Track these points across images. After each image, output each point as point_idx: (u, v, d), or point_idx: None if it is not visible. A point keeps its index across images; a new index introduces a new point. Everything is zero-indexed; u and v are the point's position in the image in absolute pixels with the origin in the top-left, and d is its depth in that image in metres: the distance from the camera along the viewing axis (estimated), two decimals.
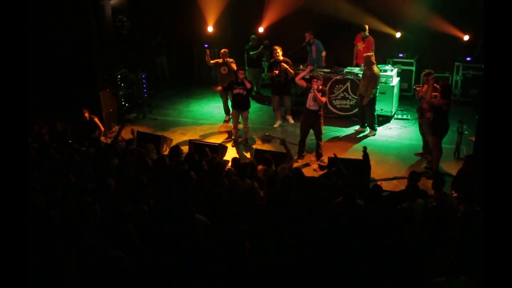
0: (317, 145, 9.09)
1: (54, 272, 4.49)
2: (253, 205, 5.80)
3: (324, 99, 8.82)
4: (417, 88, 8.52)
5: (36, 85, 9.39)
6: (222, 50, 10.61)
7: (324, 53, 11.56)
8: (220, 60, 10.61)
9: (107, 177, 6.31)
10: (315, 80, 8.77)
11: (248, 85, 9.48)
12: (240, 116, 9.72)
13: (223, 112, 11.19)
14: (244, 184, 6.29)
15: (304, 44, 11.49)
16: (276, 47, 10.14)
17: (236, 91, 9.55)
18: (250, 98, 9.85)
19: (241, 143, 9.86)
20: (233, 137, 9.91)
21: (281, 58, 10.14)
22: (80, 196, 5.80)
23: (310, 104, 8.82)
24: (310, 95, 8.76)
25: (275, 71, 10.27)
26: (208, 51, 10.77)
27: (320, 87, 8.78)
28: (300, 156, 9.15)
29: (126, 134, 9.49)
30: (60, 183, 6.19)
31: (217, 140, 9.71)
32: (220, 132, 10.54)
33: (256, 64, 12.39)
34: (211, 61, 10.75)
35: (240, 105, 9.61)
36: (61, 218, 5.20)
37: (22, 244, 3.30)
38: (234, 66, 10.29)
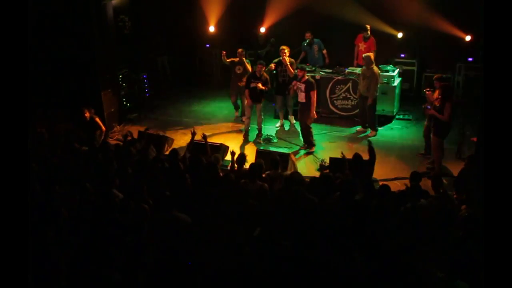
0: (303, 132, 9.55)
1: (55, 270, 4.49)
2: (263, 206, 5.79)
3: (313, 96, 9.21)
4: (427, 92, 8.46)
5: (37, 85, 9.39)
6: (239, 50, 10.75)
7: (325, 51, 11.58)
8: (236, 59, 10.73)
9: (111, 176, 6.31)
10: (299, 69, 9.31)
11: (261, 87, 9.77)
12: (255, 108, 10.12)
13: (224, 112, 11.23)
14: (254, 186, 6.30)
15: (305, 44, 11.48)
16: (284, 47, 10.16)
17: (253, 85, 9.84)
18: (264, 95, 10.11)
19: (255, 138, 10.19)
20: (244, 127, 10.28)
21: (287, 58, 10.15)
22: (83, 195, 5.81)
23: (299, 96, 9.30)
24: (298, 86, 9.21)
25: (271, 66, 10.33)
26: (224, 52, 10.79)
27: (305, 77, 9.24)
28: (308, 147, 9.50)
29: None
30: (62, 182, 6.19)
31: (219, 139, 9.70)
32: (222, 132, 10.53)
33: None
34: (228, 60, 10.81)
35: (255, 98, 9.95)
36: (70, 215, 5.22)
37: (23, 245, 3.30)
38: (249, 67, 10.60)
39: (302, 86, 9.15)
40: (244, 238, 4.94)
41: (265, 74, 9.91)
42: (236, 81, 10.85)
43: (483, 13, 3.88)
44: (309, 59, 11.66)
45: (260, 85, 9.78)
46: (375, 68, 9.80)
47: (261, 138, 10.05)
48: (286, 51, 10.11)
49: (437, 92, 8.27)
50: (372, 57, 9.85)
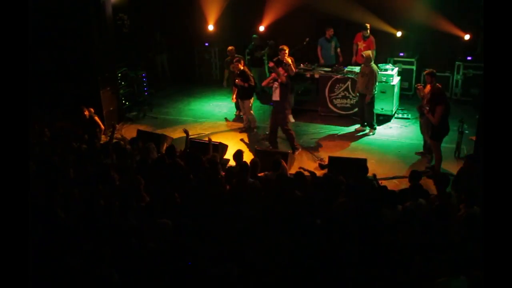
0: (287, 138, 9.29)
1: (57, 270, 4.49)
2: (256, 204, 5.79)
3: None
4: (419, 87, 8.51)
5: (36, 84, 9.37)
6: (229, 48, 10.73)
7: (339, 50, 11.62)
8: (229, 58, 10.78)
9: (108, 174, 6.32)
10: (281, 68, 9.10)
11: (240, 83, 9.81)
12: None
13: (223, 110, 11.26)
14: (248, 184, 6.31)
15: (304, 43, 11.47)
16: (285, 47, 10.13)
17: (237, 81, 9.96)
18: (252, 91, 10.10)
19: (247, 131, 10.31)
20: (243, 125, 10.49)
21: (287, 58, 10.14)
22: (83, 194, 5.82)
23: (274, 95, 9.16)
24: (274, 86, 9.09)
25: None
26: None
27: (283, 78, 9.02)
28: (293, 152, 9.24)
29: (128, 133, 9.58)
30: (61, 181, 6.19)
31: (217, 138, 9.70)
32: (221, 131, 10.54)
33: (260, 63, 12.39)
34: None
35: (239, 95, 10.08)
36: (66, 215, 5.22)
37: (23, 244, 3.30)
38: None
39: (278, 85, 9.02)
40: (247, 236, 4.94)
41: (246, 69, 9.94)
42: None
43: (483, 12, 3.89)
44: (323, 55, 11.67)
45: (238, 80, 9.86)
46: (373, 65, 9.82)
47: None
48: (287, 51, 10.11)
49: (428, 86, 8.29)
50: (372, 55, 9.87)
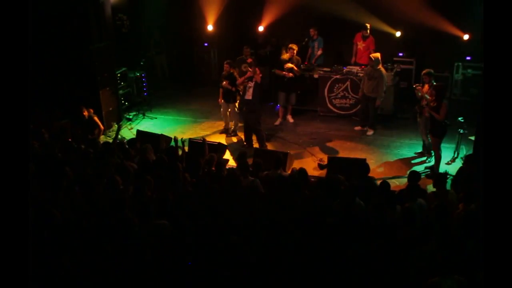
0: (257, 138, 9.33)
1: (56, 269, 4.49)
2: (254, 202, 5.80)
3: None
4: (417, 87, 8.51)
5: (36, 84, 9.37)
6: (245, 48, 10.82)
7: (319, 52, 11.57)
8: (241, 57, 10.86)
9: (110, 175, 6.31)
10: (258, 68, 9.16)
11: (226, 85, 9.87)
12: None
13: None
14: (246, 182, 6.33)
15: (303, 43, 11.49)
16: (294, 46, 10.26)
17: (224, 84, 9.98)
18: (236, 96, 10.11)
19: (230, 135, 10.29)
20: (223, 126, 10.47)
21: (295, 57, 10.28)
22: (83, 194, 5.82)
23: (247, 94, 9.24)
24: (248, 85, 9.19)
25: (286, 74, 10.29)
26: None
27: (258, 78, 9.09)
28: (246, 145, 9.46)
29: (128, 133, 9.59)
30: (61, 181, 6.18)
31: (216, 138, 9.72)
32: (220, 131, 10.53)
33: (263, 62, 12.41)
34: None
35: (225, 98, 10.10)
36: (64, 216, 5.21)
37: (23, 243, 3.30)
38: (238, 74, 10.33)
39: (252, 85, 9.11)
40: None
41: (235, 73, 9.93)
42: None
43: (483, 12, 3.89)
44: (311, 55, 11.70)
45: (225, 83, 9.86)
46: (383, 69, 9.73)
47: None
48: (295, 50, 10.20)
49: (426, 86, 8.30)
50: (380, 57, 9.71)
